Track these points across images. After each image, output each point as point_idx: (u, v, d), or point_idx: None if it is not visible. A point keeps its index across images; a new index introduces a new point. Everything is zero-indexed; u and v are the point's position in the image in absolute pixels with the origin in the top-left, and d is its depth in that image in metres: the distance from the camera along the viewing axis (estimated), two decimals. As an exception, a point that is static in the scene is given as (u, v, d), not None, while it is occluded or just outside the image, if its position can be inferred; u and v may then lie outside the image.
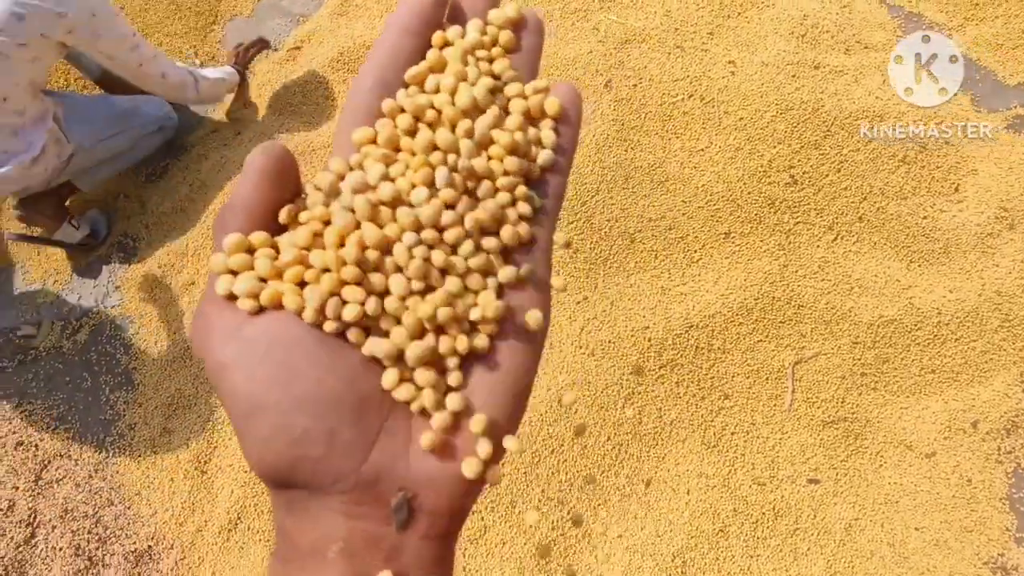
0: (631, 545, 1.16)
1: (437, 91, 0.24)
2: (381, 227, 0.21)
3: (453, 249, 0.22)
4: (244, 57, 1.63)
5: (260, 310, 0.20)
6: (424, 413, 0.21)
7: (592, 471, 1.20)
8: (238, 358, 0.19)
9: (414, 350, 0.20)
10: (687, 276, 1.36)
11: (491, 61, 0.25)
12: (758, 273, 1.34)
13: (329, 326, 0.20)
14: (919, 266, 1.38)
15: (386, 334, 0.21)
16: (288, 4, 1.85)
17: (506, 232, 0.22)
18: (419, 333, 0.21)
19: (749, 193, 1.41)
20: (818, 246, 1.39)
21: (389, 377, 0.20)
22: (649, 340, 1.27)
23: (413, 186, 0.22)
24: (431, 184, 0.22)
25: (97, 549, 1.30)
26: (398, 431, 0.20)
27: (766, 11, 1.64)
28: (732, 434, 1.23)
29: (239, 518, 1.28)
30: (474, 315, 0.21)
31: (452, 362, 0.21)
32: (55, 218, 1.48)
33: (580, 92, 0.25)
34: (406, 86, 0.24)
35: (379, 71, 0.24)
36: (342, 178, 0.22)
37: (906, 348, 1.30)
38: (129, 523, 1.33)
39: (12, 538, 1.31)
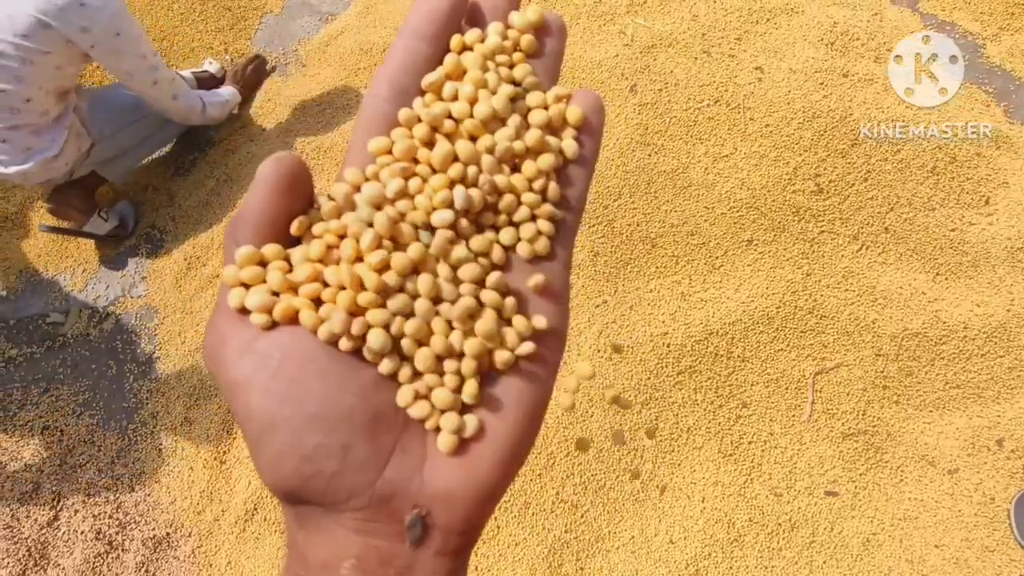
0: (644, 551, 1.16)
1: (455, 98, 0.23)
2: (402, 244, 0.21)
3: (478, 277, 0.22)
4: (243, 76, 1.67)
5: (273, 324, 0.20)
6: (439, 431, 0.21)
7: (606, 476, 1.20)
8: (251, 374, 0.19)
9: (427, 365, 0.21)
10: (708, 282, 1.35)
11: (511, 67, 0.24)
12: (780, 281, 1.33)
13: (345, 344, 0.20)
14: (946, 279, 1.36)
15: (406, 356, 0.21)
16: (317, 2, 1.87)
17: (523, 248, 0.22)
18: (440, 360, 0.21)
19: (773, 201, 1.40)
20: (843, 256, 1.37)
21: (405, 395, 0.20)
22: (668, 346, 1.27)
23: (433, 207, 0.22)
24: (451, 204, 0.22)
25: (117, 534, 1.33)
26: (413, 448, 0.20)
27: (795, 18, 1.63)
28: (749, 443, 1.22)
29: (256, 508, 1.30)
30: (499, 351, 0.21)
31: (470, 384, 0.21)
32: (85, 211, 1.52)
33: (602, 100, 0.24)
34: (423, 93, 0.23)
35: (394, 78, 0.23)
36: (357, 189, 0.22)
37: (931, 362, 1.28)
38: (149, 509, 1.35)
39: (36, 520, 1.34)
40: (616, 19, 1.64)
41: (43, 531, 1.33)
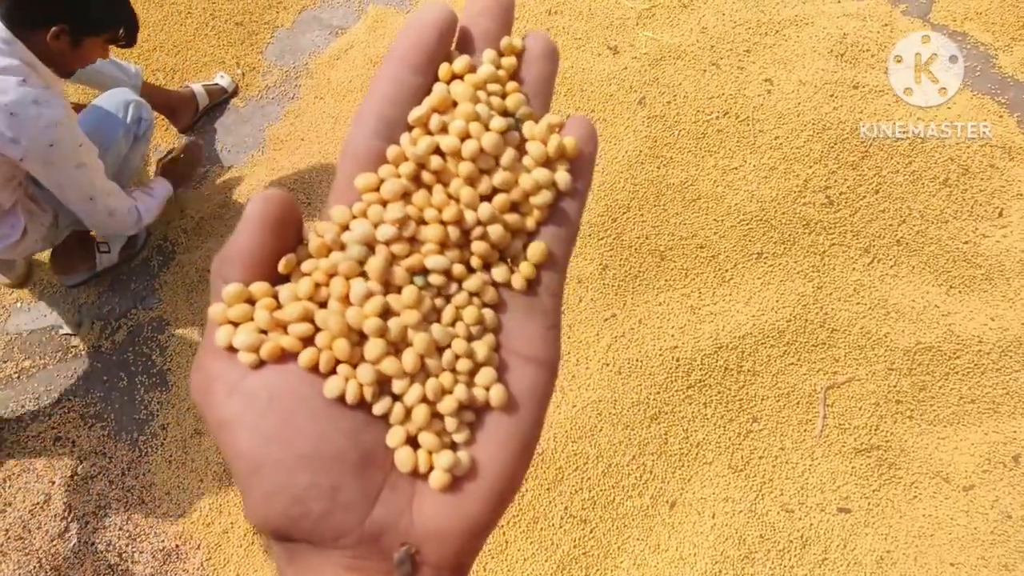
0: (654, 568, 1.15)
1: (444, 130, 0.22)
2: (395, 287, 0.21)
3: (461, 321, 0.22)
4: (171, 169, 1.54)
5: (261, 363, 0.20)
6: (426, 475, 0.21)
7: (615, 491, 1.19)
8: (240, 414, 0.19)
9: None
10: (718, 296, 1.34)
11: (504, 96, 0.23)
12: (791, 295, 1.32)
13: (351, 396, 0.20)
14: (960, 292, 1.34)
15: (396, 396, 0.21)
16: (327, 16, 1.89)
17: (516, 281, 0.22)
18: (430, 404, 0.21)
19: (783, 213, 1.39)
20: (854, 269, 1.36)
21: (395, 436, 0.20)
22: (677, 360, 1.26)
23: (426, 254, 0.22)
24: (445, 245, 0.22)
25: (127, 546, 1.33)
26: (402, 484, 0.20)
27: (805, 29, 1.62)
28: (760, 458, 1.21)
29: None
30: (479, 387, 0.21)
31: (454, 423, 0.21)
32: (88, 257, 1.51)
33: (595, 127, 0.24)
34: (410, 128, 0.22)
35: (381, 110, 0.22)
36: (345, 228, 0.22)
37: (944, 376, 1.26)
38: (158, 521, 1.36)
39: (47, 531, 1.35)
40: (625, 32, 1.64)
41: (54, 543, 1.34)
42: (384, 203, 0.22)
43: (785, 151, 1.45)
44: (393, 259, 0.21)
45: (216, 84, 1.76)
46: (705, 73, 1.56)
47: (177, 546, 1.33)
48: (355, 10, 1.89)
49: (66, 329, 1.59)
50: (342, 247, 0.21)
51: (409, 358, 0.21)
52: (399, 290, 0.21)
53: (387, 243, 0.21)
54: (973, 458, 1.20)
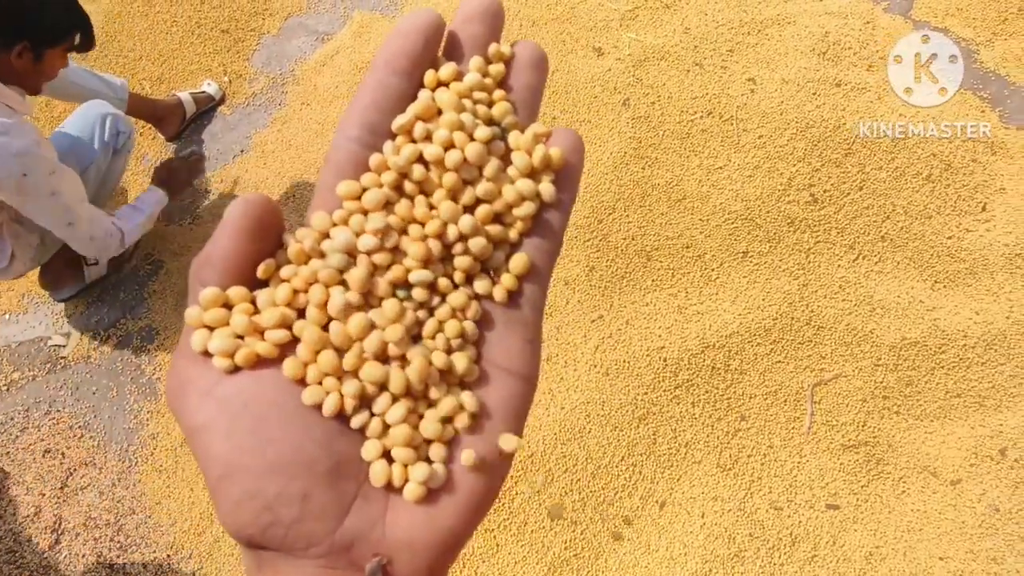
0: (644, 568, 1.15)
1: (428, 138, 0.22)
2: (376, 298, 0.21)
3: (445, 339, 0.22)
4: (169, 177, 1.51)
5: (236, 369, 0.20)
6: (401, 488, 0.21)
7: (605, 492, 1.19)
8: (212, 420, 0.19)
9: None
10: (704, 295, 1.35)
11: (490, 105, 0.23)
12: (777, 293, 1.33)
13: (311, 399, 0.20)
14: (944, 287, 1.35)
15: (373, 411, 0.21)
16: (313, 23, 1.90)
17: (498, 293, 0.22)
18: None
19: (768, 212, 1.40)
20: (839, 266, 1.37)
21: (370, 450, 0.20)
22: (664, 360, 1.27)
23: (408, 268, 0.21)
24: (429, 261, 0.21)
25: (118, 557, 1.33)
26: (375, 494, 0.20)
27: (787, 28, 1.63)
28: (749, 457, 1.21)
29: (255, 530, 1.30)
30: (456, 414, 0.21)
31: (437, 447, 0.21)
32: (76, 272, 1.50)
33: (582, 139, 0.23)
34: (394, 136, 0.22)
35: (365, 116, 0.22)
36: (325, 235, 0.22)
37: (930, 371, 1.27)
38: (149, 532, 1.35)
39: (37, 544, 1.35)
40: (608, 33, 1.65)
41: (45, 556, 1.34)
42: (365, 212, 0.21)
43: (769, 150, 1.45)
44: (375, 270, 0.21)
45: (203, 92, 1.76)
46: (688, 73, 1.57)
47: (168, 556, 1.32)
48: (341, 16, 1.90)
49: (55, 340, 1.58)
50: (321, 255, 0.21)
51: (396, 380, 0.20)
52: (379, 301, 0.21)
53: (368, 253, 0.21)
54: (960, 452, 1.21)
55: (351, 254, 0.21)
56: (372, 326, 0.21)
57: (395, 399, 0.21)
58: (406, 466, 0.20)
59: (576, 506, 1.19)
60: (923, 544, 1.15)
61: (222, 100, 1.80)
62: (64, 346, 1.58)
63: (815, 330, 1.30)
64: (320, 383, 0.20)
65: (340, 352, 0.20)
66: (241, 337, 0.20)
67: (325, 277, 0.21)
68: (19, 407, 1.50)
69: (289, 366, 0.20)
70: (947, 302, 1.33)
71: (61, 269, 1.45)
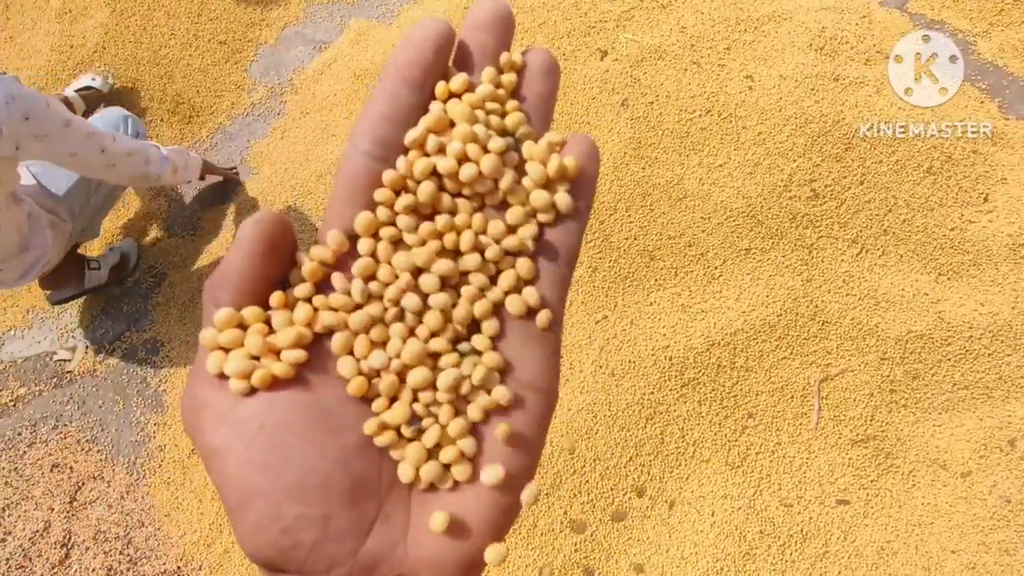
0: (656, 568, 1.15)
1: (441, 151, 0.22)
2: (407, 329, 0.21)
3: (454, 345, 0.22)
4: (215, 170, 1.57)
5: (252, 390, 0.20)
6: (431, 488, 0.21)
7: (614, 493, 1.19)
8: (229, 443, 0.19)
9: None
10: (708, 293, 1.35)
11: (503, 115, 0.23)
12: (781, 289, 1.33)
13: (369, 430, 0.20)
14: (948, 279, 1.35)
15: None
16: (311, 32, 1.90)
17: (514, 305, 0.22)
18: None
19: (770, 208, 1.40)
20: (842, 260, 1.37)
21: (369, 427, 0.20)
22: (670, 359, 1.26)
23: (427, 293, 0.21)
24: (446, 282, 0.21)
25: (128, 570, 1.33)
26: (396, 514, 0.20)
27: (783, 24, 1.63)
28: (757, 454, 1.21)
29: (265, 539, 1.30)
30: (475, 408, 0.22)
31: (462, 466, 0.21)
32: (78, 273, 1.51)
33: (597, 145, 0.23)
34: (406, 150, 0.22)
35: (376, 129, 0.21)
36: (338, 255, 0.21)
37: (937, 364, 1.26)
38: (159, 544, 1.35)
39: (48, 559, 1.35)
40: (605, 34, 1.65)
41: (55, 570, 1.34)
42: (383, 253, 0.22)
43: (769, 146, 1.45)
44: (408, 327, 0.21)
45: (88, 87, 1.67)
46: (686, 72, 1.57)
47: (179, 568, 1.32)
48: (338, 24, 1.90)
49: (60, 354, 1.59)
50: (327, 277, 0.21)
51: (446, 410, 0.21)
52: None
53: (393, 301, 0.21)
54: (969, 444, 1.20)
55: (376, 296, 0.21)
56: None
57: (435, 420, 0.21)
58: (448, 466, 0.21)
59: (585, 508, 1.19)
60: (934, 538, 1.15)
61: (111, 95, 1.73)
62: (70, 360, 1.58)
63: (820, 325, 1.29)
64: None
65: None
66: (257, 358, 0.20)
67: (356, 324, 0.21)
68: (26, 422, 1.50)
69: (355, 385, 0.21)
70: (952, 294, 1.32)
71: (63, 269, 1.46)
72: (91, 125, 1.17)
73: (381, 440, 0.20)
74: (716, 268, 1.37)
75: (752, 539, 1.14)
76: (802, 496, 1.17)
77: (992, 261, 1.35)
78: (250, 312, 0.20)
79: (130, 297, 1.64)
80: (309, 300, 0.21)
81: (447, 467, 0.20)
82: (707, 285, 1.35)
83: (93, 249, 1.65)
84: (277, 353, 0.20)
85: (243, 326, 0.20)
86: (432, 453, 0.21)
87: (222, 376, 0.20)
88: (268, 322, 0.21)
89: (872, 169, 1.44)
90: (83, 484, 1.43)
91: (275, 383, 0.20)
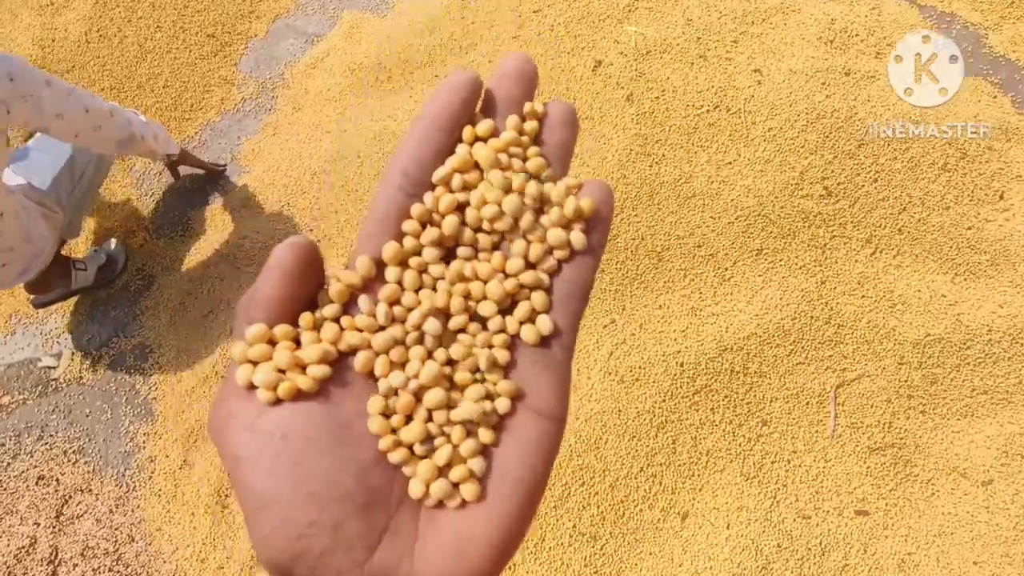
0: (668, 583, 1.11)
1: (466, 189, 0.24)
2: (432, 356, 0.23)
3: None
4: (195, 161, 1.55)
5: (277, 401, 0.21)
6: (440, 505, 0.21)
7: (625, 505, 1.15)
8: (252, 452, 0.20)
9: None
10: (719, 295, 1.30)
11: (525, 159, 0.24)
12: (794, 291, 1.28)
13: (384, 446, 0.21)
14: (965, 280, 1.31)
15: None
16: (302, 23, 1.84)
17: (528, 334, 0.23)
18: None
19: (781, 207, 1.35)
20: (856, 261, 1.32)
21: (384, 443, 0.21)
22: (681, 365, 1.22)
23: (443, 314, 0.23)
24: (466, 309, 0.23)
25: (118, 588, 1.28)
26: (404, 528, 0.21)
27: (792, 16, 1.59)
28: (773, 463, 1.17)
29: (261, 555, 1.25)
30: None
31: (470, 486, 0.21)
32: (64, 274, 1.45)
33: (612, 189, 0.25)
34: (434, 187, 0.24)
35: (406, 167, 0.24)
36: (363, 281, 0.23)
37: (956, 368, 1.23)
38: (150, 560, 1.30)
39: (33, 577, 1.29)
40: (609, 27, 1.60)
41: (41, 588, 1.28)
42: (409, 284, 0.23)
43: (779, 142, 1.41)
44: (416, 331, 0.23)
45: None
46: (693, 66, 1.52)
47: (170, 585, 1.27)
48: (330, 17, 1.84)
49: (45, 361, 1.53)
50: (354, 300, 0.23)
51: (456, 430, 0.22)
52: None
53: (415, 326, 0.23)
54: (990, 451, 1.16)
55: (398, 320, 0.23)
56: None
57: (448, 439, 0.22)
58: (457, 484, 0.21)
59: (595, 520, 1.15)
60: (956, 549, 1.11)
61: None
62: (55, 367, 1.52)
63: (835, 329, 1.25)
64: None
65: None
66: (283, 372, 0.21)
67: (379, 345, 0.22)
68: (10, 432, 1.44)
69: (375, 404, 0.22)
70: (970, 295, 1.28)
71: (48, 272, 1.39)
72: (68, 85, 1.16)
73: (395, 456, 0.21)
74: (727, 269, 1.32)
75: (769, 553, 1.10)
76: (820, 507, 1.13)
77: (1010, 261, 1.31)
78: (280, 330, 0.22)
79: (118, 301, 1.58)
80: (336, 320, 0.22)
81: (456, 485, 0.21)
82: (718, 287, 1.31)
83: (78, 250, 1.58)
84: (303, 368, 0.21)
85: (272, 342, 0.22)
86: (443, 471, 0.21)
87: (250, 388, 0.21)
88: (296, 339, 0.22)
89: (885, 166, 1.40)
90: (70, 497, 1.37)
91: (299, 396, 0.21)
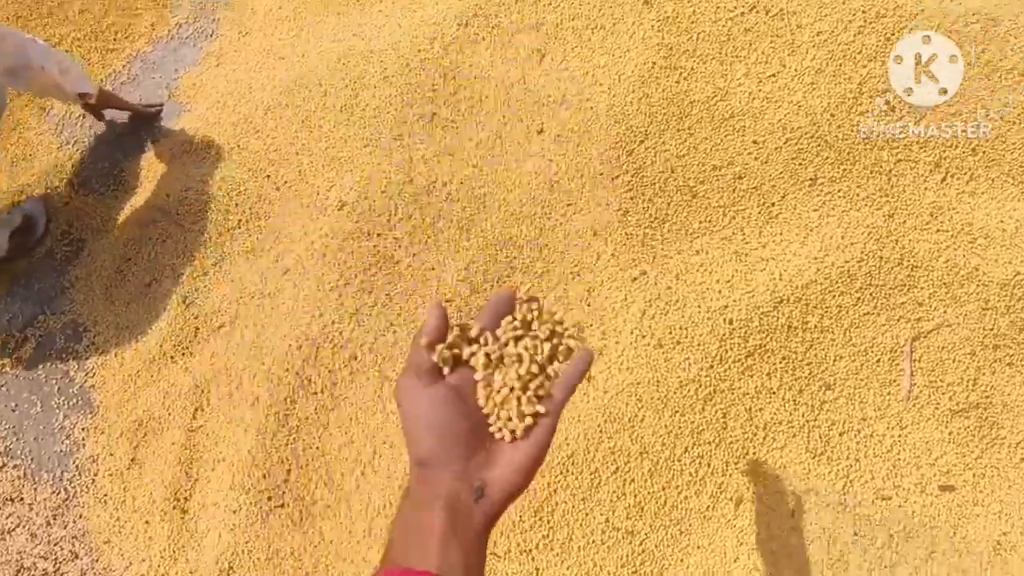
0: (722, 581, 0.93)
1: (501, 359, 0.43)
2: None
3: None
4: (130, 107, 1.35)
5: (431, 382, 0.41)
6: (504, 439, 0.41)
7: (667, 493, 0.95)
8: (412, 409, 0.41)
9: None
10: (767, 236, 1.08)
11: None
12: (857, 227, 1.07)
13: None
14: (1055, 206, 1.10)
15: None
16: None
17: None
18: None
19: (838, 126, 1.12)
20: (926, 189, 1.11)
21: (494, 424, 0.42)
22: (729, 322, 1.01)
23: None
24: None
25: (62, 614, 1.07)
26: (485, 452, 0.40)
27: None
28: (841, 435, 0.98)
29: (231, 568, 1.04)
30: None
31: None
32: None
33: (593, 357, 0.44)
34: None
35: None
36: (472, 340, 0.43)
37: (1049, 311, 1.03)
38: (99, 578, 1.09)
39: (-42, 606, 1.08)
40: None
41: (-32, 620, 1.07)
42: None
43: (831, 48, 1.17)
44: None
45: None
46: (723, -41, 1.25)
47: (126, 607, 1.07)
48: (276, -83, 1.52)
49: (-42, 348, 1.27)
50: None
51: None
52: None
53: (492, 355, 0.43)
54: (1093, 408, 0.98)
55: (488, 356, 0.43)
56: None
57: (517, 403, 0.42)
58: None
59: (631, 512, 0.95)
60: (1057, 524, 0.94)
61: None
62: (-29, 354, 1.27)
63: (908, 271, 1.05)
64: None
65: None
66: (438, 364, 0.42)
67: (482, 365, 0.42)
68: (-81, 435, 1.20)
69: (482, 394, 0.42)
70: (1061, 224, 1.08)
71: None
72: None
73: (487, 410, 0.41)
74: (775, 204, 1.10)
75: (844, 543, 0.92)
76: (899, 484, 0.95)
77: (1106, 181, 1.10)
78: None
79: (41, 272, 1.32)
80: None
81: (513, 432, 0.40)
82: (765, 226, 1.09)
83: (-15, 213, 1.31)
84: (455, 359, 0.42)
85: (432, 347, 0.42)
86: (507, 422, 0.41)
87: (419, 372, 0.41)
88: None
89: (957, 73, 1.16)
90: (-2, 509, 1.15)
91: (440, 375, 0.42)
